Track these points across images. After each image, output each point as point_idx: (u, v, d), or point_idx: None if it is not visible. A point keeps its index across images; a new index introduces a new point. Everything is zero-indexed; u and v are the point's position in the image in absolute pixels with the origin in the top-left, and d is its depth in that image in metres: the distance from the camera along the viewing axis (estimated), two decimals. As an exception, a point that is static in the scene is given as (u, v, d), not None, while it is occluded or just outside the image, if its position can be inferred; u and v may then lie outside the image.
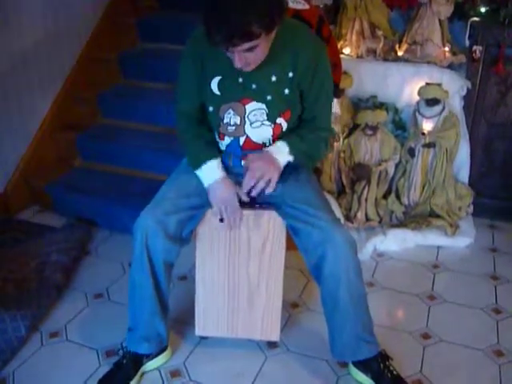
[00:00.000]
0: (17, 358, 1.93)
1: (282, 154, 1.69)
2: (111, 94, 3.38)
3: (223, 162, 1.78)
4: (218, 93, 1.69)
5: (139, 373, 1.83)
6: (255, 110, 1.68)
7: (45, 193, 3.00)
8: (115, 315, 2.14)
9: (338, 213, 2.64)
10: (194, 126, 1.80)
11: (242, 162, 1.76)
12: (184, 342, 2.02)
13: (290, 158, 1.70)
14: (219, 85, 1.68)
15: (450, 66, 2.75)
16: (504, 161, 2.83)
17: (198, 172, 1.74)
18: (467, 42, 2.69)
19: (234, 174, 1.81)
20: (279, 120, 1.71)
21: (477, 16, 2.67)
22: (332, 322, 1.77)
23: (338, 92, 2.47)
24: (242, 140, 1.74)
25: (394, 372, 1.77)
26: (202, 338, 2.01)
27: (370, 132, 2.69)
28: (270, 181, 1.67)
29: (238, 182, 1.74)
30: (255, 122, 1.70)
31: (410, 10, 2.81)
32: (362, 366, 1.79)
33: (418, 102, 2.68)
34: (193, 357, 1.95)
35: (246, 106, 1.68)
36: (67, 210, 2.92)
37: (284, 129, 1.73)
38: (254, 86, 1.66)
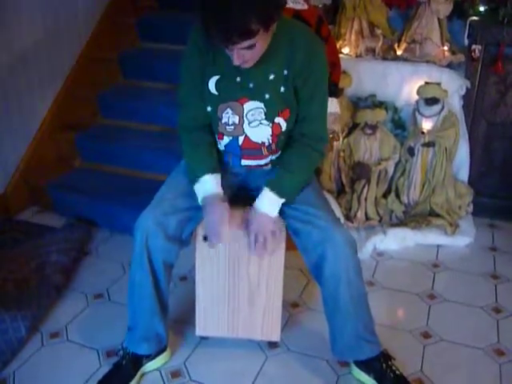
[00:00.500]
0: (17, 359, 1.93)
1: (272, 204, 1.70)
2: (111, 94, 3.38)
3: (223, 160, 1.78)
4: (215, 92, 1.68)
5: (139, 374, 1.83)
6: (253, 109, 1.67)
7: (45, 193, 3.00)
8: (115, 315, 2.14)
9: (338, 212, 2.64)
10: (194, 134, 1.76)
11: (242, 161, 1.77)
12: (184, 342, 2.02)
13: (283, 200, 1.70)
14: (217, 84, 1.67)
15: (449, 65, 2.75)
16: (503, 160, 2.83)
17: (195, 187, 1.73)
18: (466, 41, 2.70)
19: (234, 174, 1.80)
20: (278, 119, 1.69)
21: (476, 15, 2.67)
22: (333, 322, 1.77)
23: (337, 91, 2.47)
24: (241, 139, 1.73)
25: (397, 372, 1.76)
26: (203, 338, 2.01)
27: (369, 131, 2.69)
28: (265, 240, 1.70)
29: (238, 184, 1.73)
30: (253, 121, 1.69)
31: (408, 9, 2.81)
32: (364, 365, 1.79)
33: (417, 101, 2.68)
34: (193, 357, 1.95)
35: (244, 106, 1.67)
36: (67, 210, 2.92)
37: (283, 128, 1.71)
38: (251, 85, 1.65)
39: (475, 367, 1.91)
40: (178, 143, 1.83)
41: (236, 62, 1.52)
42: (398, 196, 2.80)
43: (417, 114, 2.67)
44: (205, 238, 1.75)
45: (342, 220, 2.65)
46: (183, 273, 2.42)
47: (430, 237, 2.68)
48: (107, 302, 2.26)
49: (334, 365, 1.90)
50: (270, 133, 1.71)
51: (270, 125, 1.69)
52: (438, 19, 2.71)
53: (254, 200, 1.74)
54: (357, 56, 2.83)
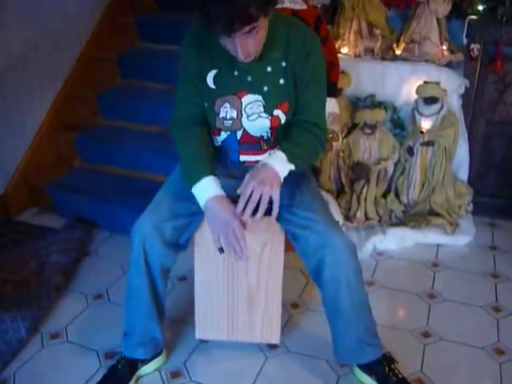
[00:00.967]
0: (17, 360, 1.93)
1: (282, 163, 1.58)
2: (111, 95, 3.39)
3: (220, 159, 1.76)
4: (213, 87, 1.67)
5: (134, 377, 1.83)
6: (251, 102, 1.66)
7: (45, 194, 3.00)
8: (115, 316, 2.14)
9: (338, 212, 2.64)
10: (187, 129, 1.72)
11: (240, 157, 1.74)
12: (184, 342, 2.02)
13: (292, 167, 1.59)
14: (215, 79, 1.66)
15: (448, 65, 2.75)
16: (503, 159, 2.83)
17: (193, 191, 1.63)
18: (465, 41, 2.69)
19: (233, 177, 1.75)
20: (276, 112, 1.68)
21: (474, 14, 2.67)
22: (334, 326, 1.76)
23: (336, 91, 2.47)
24: (239, 134, 1.71)
25: (400, 375, 1.75)
26: (202, 341, 2.01)
27: (368, 131, 2.69)
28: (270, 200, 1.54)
29: (234, 194, 1.63)
30: (252, 114, 1.67)
31: (407, 8, 2.81)
32: (367, 368, 1.78)
33: (416, 101, 2.68)
34: (193, 357, 1.96)
35: (242, 99, 1.66)
36: (67, 210, 2.92)
37: (282, 121, 1.69)
38: (249, 79, 1.64)
39: (475, 366, 1.91)
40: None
41: (241, 57, 1.50)
42: (397, 196, 2.80)
43: (416, 113, 2.67)
44: (221, 250, 1.66)
45: (342, 220, 2.65)
46: (183, 273, 2.42)
47: (430, 236, 2.67)
48: (107, 303, 2.26)
49: (334, 365, 1.90)
50: (269, 126, 1.69)
51: (269, 118, 1.68)
52: (437, 19, 2.71)
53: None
54: (356, 56, 2.84)
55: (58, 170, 3.14)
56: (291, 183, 1.68)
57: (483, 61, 2.68)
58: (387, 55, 2.81)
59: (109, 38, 3.59)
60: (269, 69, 1.64)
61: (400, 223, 2.74)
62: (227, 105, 1.67)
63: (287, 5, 2.12)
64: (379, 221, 2.75)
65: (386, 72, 2.74)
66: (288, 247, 1.81)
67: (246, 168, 1.72)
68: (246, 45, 1.49)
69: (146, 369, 1.86)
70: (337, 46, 2.77)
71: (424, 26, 2.71)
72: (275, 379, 1.86)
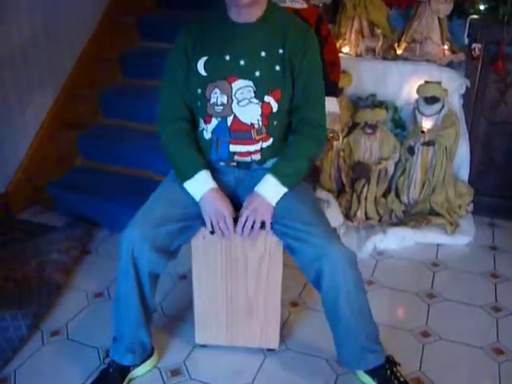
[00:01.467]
0: (18, 357, 1.94)
1: (274, 189, 1.69)
2: (112, 93, 3.39)
3: (210, 157, 1.76)
4: (204, 73, 1.68)
5: (126, 380, 1.82)
6: (242, 87, 1.66)
7: (46, 192, 3.00)
8: (116, 314, 2.15)
9: (338, 212, 2.64)
10: (176, 133, 1.76)
11: (230, 147, 1.73)
12: (184, 340, 2.03)
13: (285, 190, 1.70)
14: (205, 65, 1.68)
15: (449, 64, 2.75)
16: (504, 159, 2.83)
17: (187, 185, 1.72)
18: (466, 40, 2.69)
19: (223, 183, 1.78)
20: (267, 98, 1.67)
21: (476, 14, 2.67)
22: (336, 334, 1.76)
23: (337, 91, 2.47)
24: (229, 120, 1.70)
25: (401, 379, 1.75)
26: (202, 346, 2.01)
27: (369, 131, 2.69)
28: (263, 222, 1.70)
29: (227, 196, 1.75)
30: (242, 100, 1.67)
31: (409, 8, 2.81)
32: (370, 371, 1.78)
33: (417, 100, 2.68)
34: (193, 355, 1.96)
35: (233, 84, 1.66)
36: (68, 209, 2.93)
37: (274, 109, 1.69)
38: (242, 63, 1.65)
39: (474, 366, 1.91)
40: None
41: None
42: (397, 195, 2.80)
43: (417, 112, 2.67)
44: (212, 232, 1.73)
45: (342, 220, 2.65)
46: (183, 271, 2.43)
47: (430, 236, 2.68)
48: (107, 301, 2.26)
49: (334, 364, 1.90)
50: (260, 112, 1.68)
51: (260, 104, 1.67)
52: (438, 18, 2.71)
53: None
54: (357, 55, 2.84)
55: (58, 168, 3.14)
56: (287, 198, 1.71)
57: (484, 61, 2.68)
58: (388, 55, 2.81)
59: (110, 36, 3.59)
60: (263, 54, 1.66)
61: (400, 223, 2.74)
62: (217, 90, 1.68)
63: (288, 4, 2.12)
64: (379, 220, 2.75)
65: (387, 71, 2.74)
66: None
67: (236, 168, 1.78)
68: None
69: (138, 371, 1.86)
70: (338, 45, 2.77)
71: (425, 26, 2.71)
72: (274, 378, 1.86)
